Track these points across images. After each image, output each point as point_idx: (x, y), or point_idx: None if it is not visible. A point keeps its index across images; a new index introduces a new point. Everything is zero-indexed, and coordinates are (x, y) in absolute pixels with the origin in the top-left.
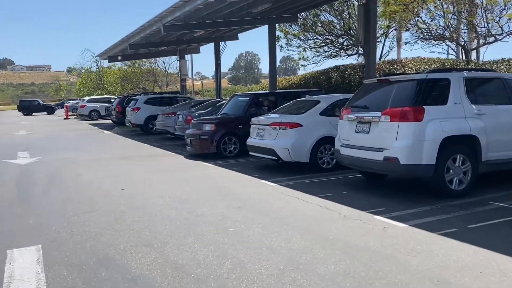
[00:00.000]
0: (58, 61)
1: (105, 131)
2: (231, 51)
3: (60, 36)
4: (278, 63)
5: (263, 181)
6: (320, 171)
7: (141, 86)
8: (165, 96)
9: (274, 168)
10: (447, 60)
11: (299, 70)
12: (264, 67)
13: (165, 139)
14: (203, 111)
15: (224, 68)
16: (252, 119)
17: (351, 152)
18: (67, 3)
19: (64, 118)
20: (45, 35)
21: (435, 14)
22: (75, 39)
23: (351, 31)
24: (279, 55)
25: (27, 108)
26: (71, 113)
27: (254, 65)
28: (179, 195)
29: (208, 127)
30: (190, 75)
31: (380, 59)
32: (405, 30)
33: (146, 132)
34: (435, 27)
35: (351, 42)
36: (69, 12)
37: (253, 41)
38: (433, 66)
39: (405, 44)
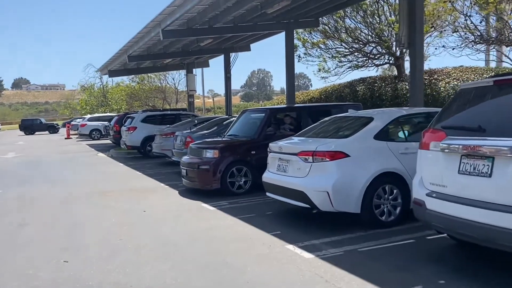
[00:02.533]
0: (71, 80)
1: (99, 154)
2: (243, 68)
3: (75, 56)
4: None
5: (291, 247)
6: (378, 226)
7: (150, 104)
8: (167, 113)
9: (305, 219)
10: (501, 69)
11: (311, 87)
12: (276, 84)
13: (164, 164)
14: (205, 131)
15: (237, 85)
16: (271, 144)
17: (452, 209)
18: (79, 23)
19: (65, 138)
20: (60, 55)
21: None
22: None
23: (382, 37)
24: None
25: (29, 127)
26: (74, 132)
27: (266, 82)
28: (151, 285)
29: (210, 154)
30: (200, 92)
31: None
32: (453, 32)
33: (144, 154)
34: (485, 30)
35: (380, 50)
36: (80, 31)
37: (266, 56)
38: (484, 75)
39: (453, 49)
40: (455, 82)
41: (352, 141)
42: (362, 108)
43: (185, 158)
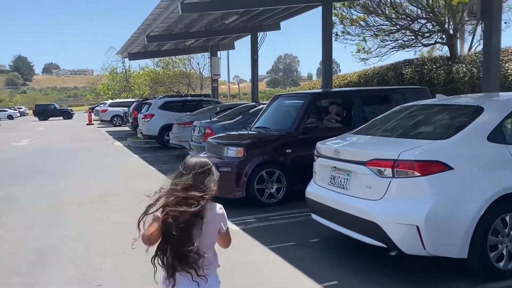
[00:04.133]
0: (99, 65)
1: (116, 143)
2: (270, 53)
3: (102, 41)
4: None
5: None
6: (494, 277)
7: (174, 90)
8: (187, 99)
9: (371, 254)
10: None
11: (339, 72)
12: (303, 70)
13: (183, 157)
14: (228, 122)
15: (262, 71)
16: (320, 145)
17: None
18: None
19: (87, 124)
20: (89, 40)
21: None
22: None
23: (435, 11)
24: (320, 55)
25: (43, 113)
26: (96, 118)
27: (293, 68)
28: None
29: (232, 152)
30: (225, 77)
31: (470, 50)
32: None
33: (162, 144)
34: None
35: (432, 27)
36: (107, 14)
37: (294, 39)
38: None
39: None
40: None
41: (455, 145)
42: (429, 93)
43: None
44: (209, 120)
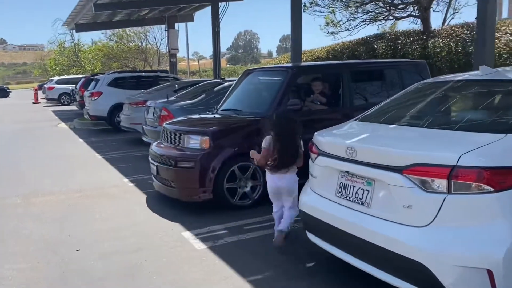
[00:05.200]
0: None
1: (61, 125)
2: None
3: (53, 13)
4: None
5: None
6: None
7: (130, 66)
8: (142, 75)
9: None
10: None
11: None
12: (263, 47)
13: (136, 142)
14: (188, 102)
15: (222, 48)
16: (319, 137)
17: None
18: None
19: (33, 103)
20: (38, 12)
21: None
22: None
23: None
24: (280, 32)
25: None
26: (43, 96)
27: (253, 45)
28: None
29: (195, 143)
30: (184, 54)
31: (444, 23)
32: None
33: (114, 127)
34: None
35: None
36: None
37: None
38: None
39: None
40: (509, 37)
41: None
42: (427, 67)
43: (155, 146)
44: (166, 100)
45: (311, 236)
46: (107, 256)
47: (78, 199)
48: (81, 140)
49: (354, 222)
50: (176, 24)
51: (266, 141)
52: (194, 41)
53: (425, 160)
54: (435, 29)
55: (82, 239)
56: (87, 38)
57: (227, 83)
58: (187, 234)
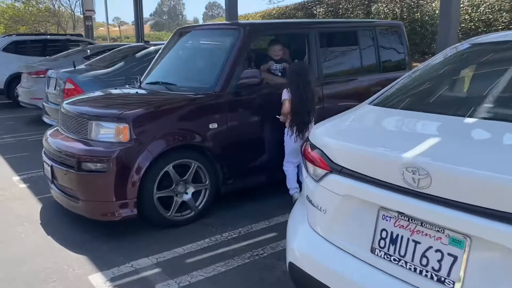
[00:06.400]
0: None
1: None
2: None
3: None
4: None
5: None
6: None
7: (42, 30)
8: (47, 38)
9: None
10: None
11: (222, 14)
12: (189, 14)
13: (38, 121)
14: (102, 71)
15: (146, 13)
16: (329, 141)
17: None
18: None
19: None
20: None
21: None
22: None
23: None
24: (203, 1)
25: None
26: None
27: (178, 11)
28: None
29: (107, 133)
30: (103, 19)
31: None
32: None
33: (14, 101)
34: None
35: None
36: None
37: None
38: None
39: None
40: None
41: None
42: (403, 27)
43: (51, 137)
44: (73, 69)
45: None
46: None
47: None
48: None
49: None
50: None
51: (286, 93)
52: (114, 5)
53: None
54: None
55: None
56: None
57: (153, 47)
58: (98, 278)
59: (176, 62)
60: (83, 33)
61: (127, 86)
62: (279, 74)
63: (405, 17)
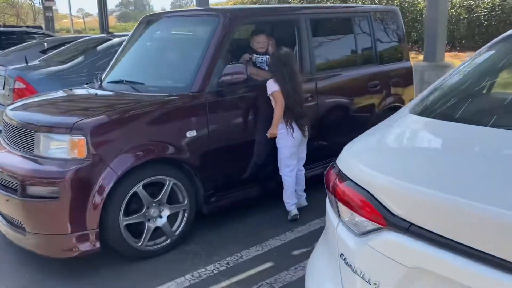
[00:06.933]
0: None
1: None
2: None
3: None
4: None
5: None
6: None
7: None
8: (0, 31)
9: None
10: None
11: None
12: (156, 4)
13: None
14: (57, 68)
15: (111, 4)
16: (384, 177)
17: None
18: None
19: None
20: None
21: None
22: None
23: None
24: None
25: None
26: None
27: (145, 1)
28: None
29: (59, 147)
30: (65, 10)
31: None
32: None
33: None
34: None
35: None
36: None
37: None
38: None
39: None
40: None
41: None
42: (399, 13)
43: None
44: (25, 65)
45: None
46: None
47: None
48: None
49: None
50: None
51: (273, 84)
52: None
53: None
54: None
55: None
56: None
57: (117, 39)
58: None
59: (144, 56)
60: (43, 25)
61: (85, 85)
62: (264, 67)
63: (383, 4)
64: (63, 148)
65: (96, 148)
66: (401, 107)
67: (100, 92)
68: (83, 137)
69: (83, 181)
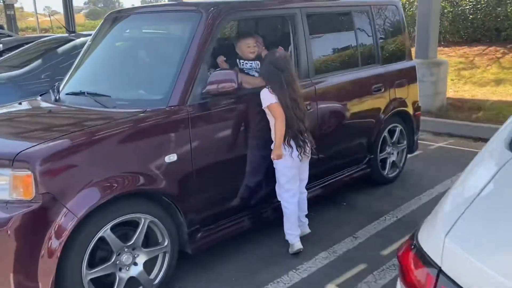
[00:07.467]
0: None
1: None
2: None
3: None
4: None
5: None
6: None
7: None
8: None
9: None
10: None
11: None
12: (126, 1)
13: None
14: (10, 74)
15: (79, 2)
16: None
17: None
18: None
19: None
20: None
21: None
22: None
23: None
24: None
25: None
26: None
27: None
28: None
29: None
30: (29, 9)
31: None
32: None
33: None
34: None
35: None
36: None
37: None
38: None
39: None
40: None
41: None
42: (401, 6)
43: None
44: None
45: None
46: None
47: None
48: None
49: None
50: None
51: (270, 95)
52: None
53: None
54: None
55: None
56: None
57: (80, 39)
58: None
59: (110, 61)
60: (5, 25)
61: (38, 98)
62: (255, 73)
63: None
64: (2, 186)
65: (47, 185)
66: (406, 111)
67: (55, 107)
68: (30, 172)
69: (30, 229)
